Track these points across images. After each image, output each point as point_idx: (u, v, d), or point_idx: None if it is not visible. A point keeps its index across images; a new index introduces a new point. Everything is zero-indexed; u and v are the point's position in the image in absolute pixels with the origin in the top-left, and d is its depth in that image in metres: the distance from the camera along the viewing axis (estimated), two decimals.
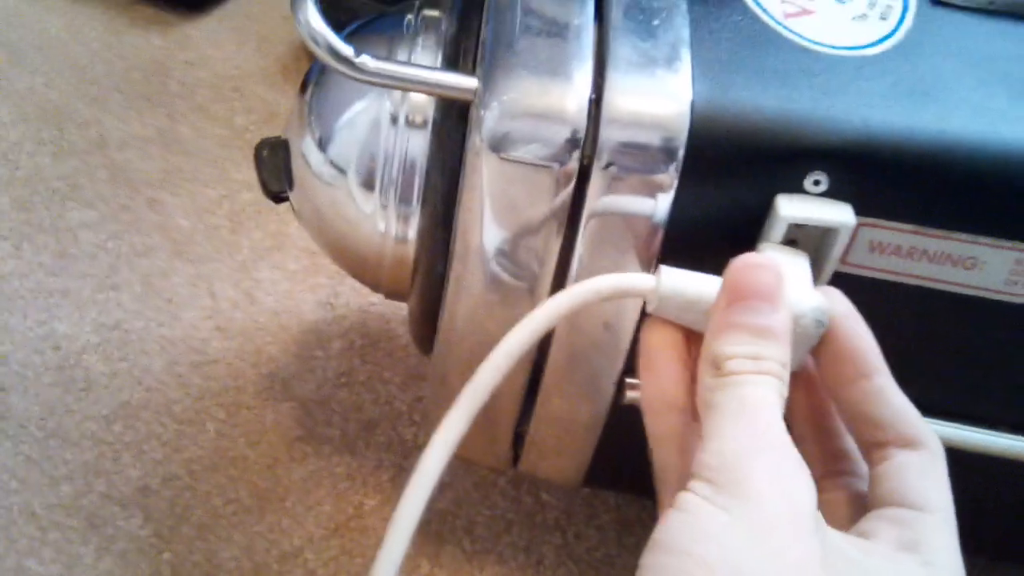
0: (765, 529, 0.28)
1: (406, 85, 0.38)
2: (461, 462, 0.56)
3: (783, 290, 0.32)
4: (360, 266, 0.47)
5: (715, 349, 0.32)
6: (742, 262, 0.33)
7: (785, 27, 0.39)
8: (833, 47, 0.39)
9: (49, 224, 0.67)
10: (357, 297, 0.65)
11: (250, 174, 0.70)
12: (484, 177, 0.37)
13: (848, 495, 0.34)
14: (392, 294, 0.48)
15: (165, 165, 0.71)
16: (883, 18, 0.40)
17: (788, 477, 0.29)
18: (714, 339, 0.32)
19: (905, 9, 0.41)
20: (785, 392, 0.31)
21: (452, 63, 0.43)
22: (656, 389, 0.35)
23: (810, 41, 0.39)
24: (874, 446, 0.33)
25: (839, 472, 0.35)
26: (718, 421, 0.30)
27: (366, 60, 0.38)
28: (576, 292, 0.34)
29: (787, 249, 0.36)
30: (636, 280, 0.35)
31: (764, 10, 0.39)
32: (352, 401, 0.59)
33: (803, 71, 0.38)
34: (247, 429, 0.57)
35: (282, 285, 0.65)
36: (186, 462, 0.56)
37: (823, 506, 0.30)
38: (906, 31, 0.40)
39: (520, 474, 0.57)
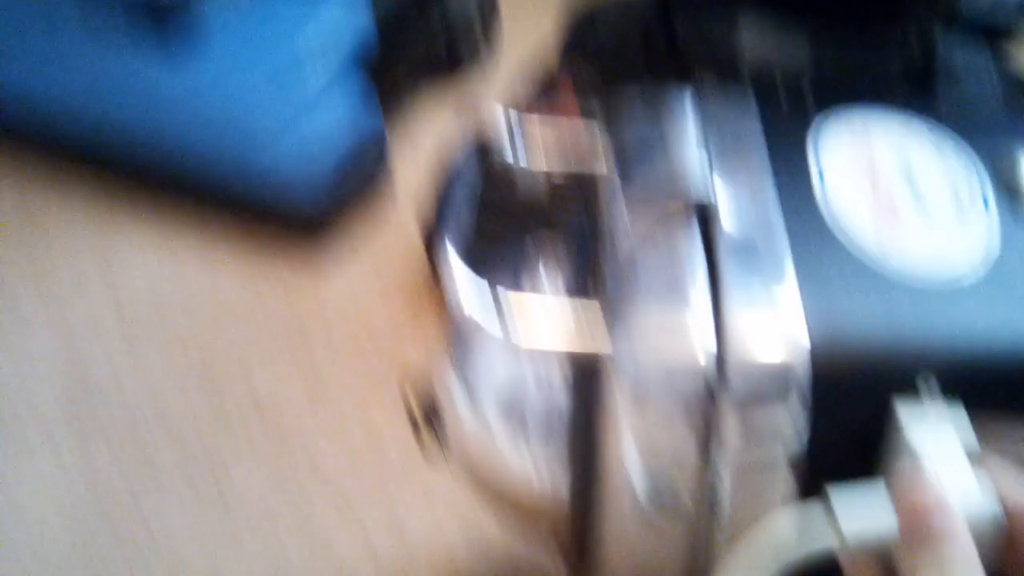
0: None
1: (551, 354, 0.43)
2: None
3: (956, 518, 0.34)
4: (517, 515, 0.51)
5: (908, 555, 0.33)
6: (910, 506, 0.35)
7: (882, 259, 0.42)
8: (929, 278, 0.42)
9: (211, 478, 0.72)
10: (505, 538, 0.68)
11: (393, 417, 0.75)
12: (626, 424, 0.41)
13: None
14: (548, 539, 0.52)
15: (315, 416, 0.76)
16: (974, 240, 0.43)
17: None
18: (904, 550, 0.34)
19: (998, 229, 0.44)
20: None
21: (576, 288, 0.47)
22: None
23: (907, 266, 0.42)
24: None
25: None
26: None
27: (518, 337, 0.42)
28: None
29: (935, 429, 0.38)
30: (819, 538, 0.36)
31: (859, 242, 0.43)
32: None
33: (903, 300, 0.41)
34: None
35: (433, 525, 0.68)
36: None
37: None
38: (997, 249, 0.43)
39: None
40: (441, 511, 0.69)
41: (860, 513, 0.35)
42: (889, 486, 0.36)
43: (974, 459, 0.37)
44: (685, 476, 0.42)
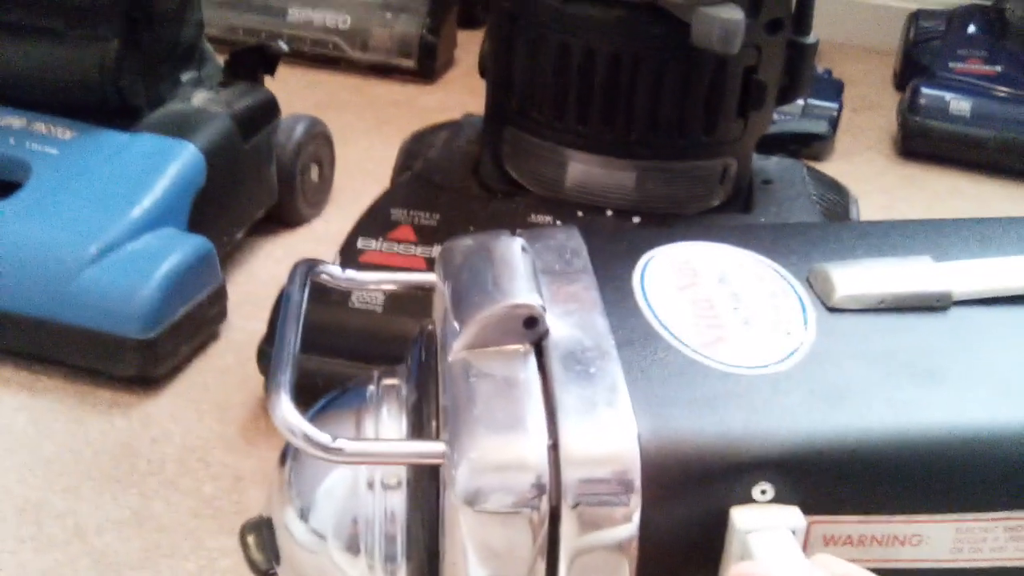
0: None
1: (382, 460, 0.42)
2: None
3: None
4: None
5: None
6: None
7: (705, 356, 0.44)
8: (750, 367, 0.43)
9: None
10: None
11: (224, 541, 0.73)
12: (463, 530, 0.41)
13: None
14: None
15: (143, 544, 0.73)
16: (788, 334, 0.45)
17: None
18: None
19: (806, 321, 0.46)
20: None
21: (416, 429, 0.47)
22: None
23: (728, 365, 0.43)
24: None
25: None
26: None
27: (343, 444, 0.42)
28: None
29: (767, 533, 0.39)
30: None
31: (683, 343, 0.44)
32: None
33: (728, 394, 0.42)
34: None
35: None
36: None
37: None
38: (811, 343, 0.45)
39: None
40: None
41: None
42: None
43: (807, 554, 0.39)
44: None
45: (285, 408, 0.43)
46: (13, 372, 0.92)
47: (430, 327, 0.52)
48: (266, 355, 0.84)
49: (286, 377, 0.44)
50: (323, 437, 0.42)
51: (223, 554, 0.72)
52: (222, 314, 0.96)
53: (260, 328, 0.86)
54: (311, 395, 0.52)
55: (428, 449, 0.42)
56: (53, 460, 0.82)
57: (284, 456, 0.52)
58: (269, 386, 0.44)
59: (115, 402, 0.88)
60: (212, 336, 0.96)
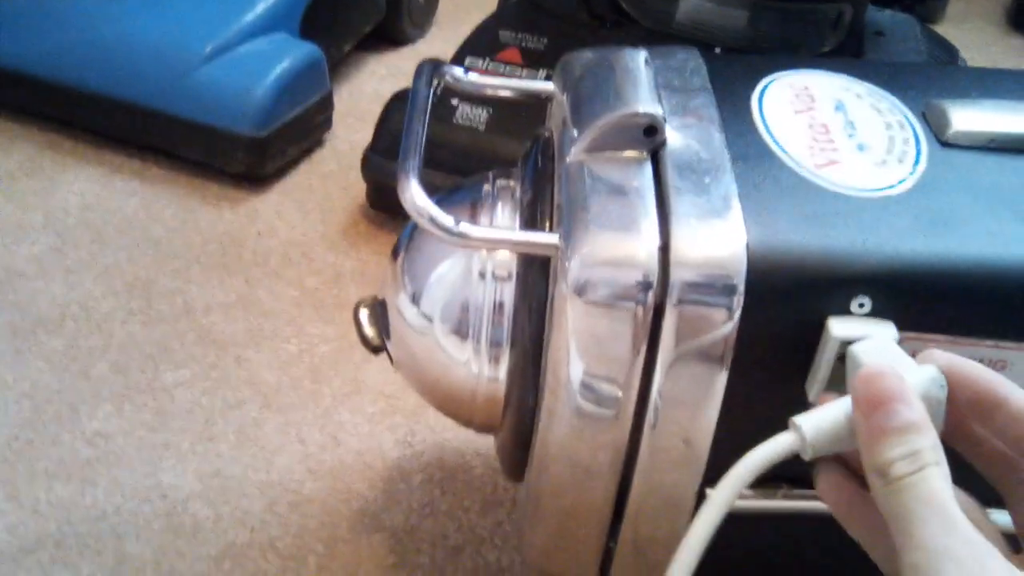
0: None
1: (501, 246, 0.45)
2: None
3: (907, 384, 0.36)
4: (454, 405, 0.53)
5: (874, 461, 0.35)
6: (863, 377, 0.36)
7: (817, 176, 0.46)
8: (861, 190, 0.45)
9: (146, 385, 0.73)
10: (432, 434, 0.70)
11: (324, 328, 0.77)
12: (570, 319, 0.43)
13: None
14: (483, 428, 0.54)
15: (247, 326, 0.78)
16: (900, 162, 0.47)
17: (982, 567, 0.31)
18: (869, 453, 0.35)
19: (918, 152, 0.47)
20: (946, 469, 0.34)
21: (530, 225, 0.49)
22: (859, 527, 0.38)
23: (840, 186, 0.45)
24: None
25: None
26: (904, 529, 0.33)
27: (466, 228, 0.44)
28: (738, 475, 0.38)
29: (871, 341, 0.41)
30: (783, 443, 0.37)
31: (797, 163, 0.46)
32: (437, 529, 0.65)
33: (837, 212, 0.44)
34: (345, 561, 0.62)
35: (363, 427, 0.71)
36: None
37: None
38: (921, 172, 0.46)
39: None
40: (375, 421, 0.71)
41: (819, 419, 0.37)
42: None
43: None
44: (622, 378, 0.44)
45: (414, 190, 0.45)
46: (125, 159, 0.96)
47: (546, 134, 0.53)
48: (371, 162, 0.87)
49: (415, 163, 0.46)
50: (448, 220, 0.44)
51: (323, 340, 0.77)
52: (328, 122, 0.99)
53: (363, 140, 0.89)
54: None
55: (544, 240, 0.45)
56: (162, 243, 0.86)
57: (396, 250, 0.54)
58: (399, 171, 0.46)
59: (223, 196, 0.92)
60: (318, 143, 0.99)
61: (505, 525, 0.65)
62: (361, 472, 0.68)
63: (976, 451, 0.38)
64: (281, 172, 0.95)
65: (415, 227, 0.55)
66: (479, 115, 0.85)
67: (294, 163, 0.96)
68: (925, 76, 0.56)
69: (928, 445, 0.34)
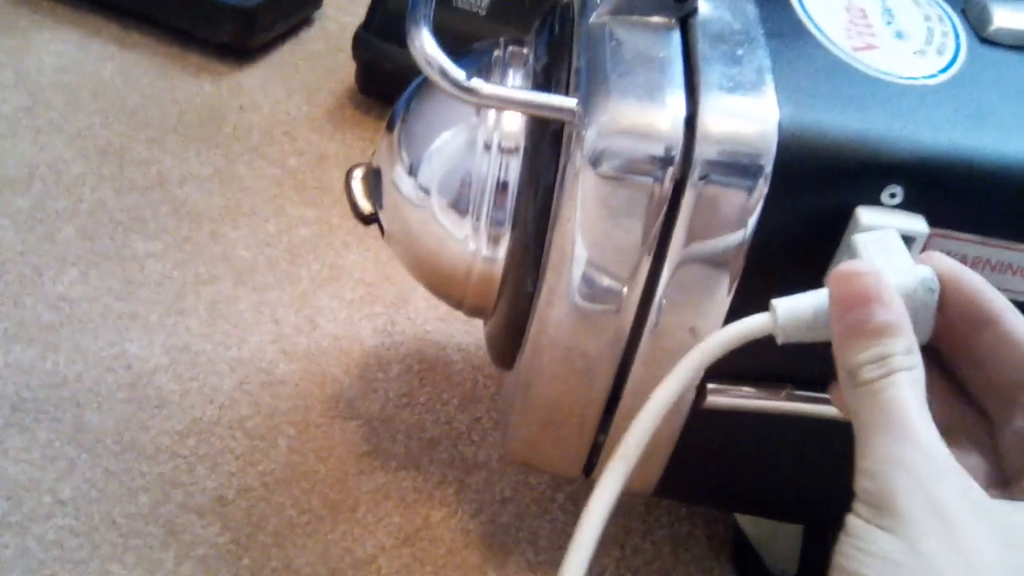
0: (926, 544, 0.28)
1: (514, 106, 0.42)
2: (530, 470, 0.59)
3: (885, 284, 0.33)
4: (446, 284, 0.50)
5: (845, 362, 0.33)
6: (839, 274, 0.34)
7: (854, 59, 0.43)
8: (898, 77, 0.42)
9: (114, 253, 0.69)
10: (412, 326, 0.68)
11: (305, 211, 0.74)
12: (580, 195, 0.41)
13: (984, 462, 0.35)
14: (474, 311, 0.51)
15: (224, 201, 0.74)
16: (939, 53, 0.44)
17: (935, 481, 0.30)
18: (839, 352, 0.33)
19: (957, 46, 0.45)
20: (920, 376, 0.32)
21: (543, 91, 0.46)
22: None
23: (876, 71, 0.42)
24: (1010, 396, 0.34)
25: (974, 440, 0.35)
26: (865, 437, 0.31)
27: (478, 83, 0.41)
28: (708, 348, 0.36)
29: (875, 233, 0.38)
30: (755, 322, 0.36)
31: (833, 43, 0.43)
32: (414, 420, 0.62)
33: (874, 97, 0.41)
34: (317, 445, 0.60)
35: (341, 313, 0.68)
36: (260, 475, 0.58)
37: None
38: (960, 65, 0.44)
39: (578, 491, 0.60)
40: (353, 308, 0.68)
41: (797, 305, 0.35)
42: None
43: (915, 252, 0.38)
44: (631, 260, 0.42)
45: (425, 40, 0.42)
46: (104, 23, 0.91)
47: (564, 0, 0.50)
48: (363, 41, 0.83)
49: (426, 11, 0.43)
50: (459, 73, 0.41)
51: (303, 223, 0.73)
52: (318, 0, 0.95)
53: (352, 23, 0.85)
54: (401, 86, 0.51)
55: (561, 103, 0.41)
56: (138, 111, 0.82)
57: (392, 120, 0.51)
58: (409, 20, 0.42)
59: (204, 67, 0.88)
60: (306, 21, 0.95)
61: (484, 421, 0.63)
62: (337, 358, 0.65)
63: (968, 364, 0.35)
64: (266, 48, 0.91)
65: (412, 96, 0.52)
66: (480, 0, 0.81)
67: (280, 40, 0.92)
68: None
69: (900, 350, 0.32)
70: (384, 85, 0.83)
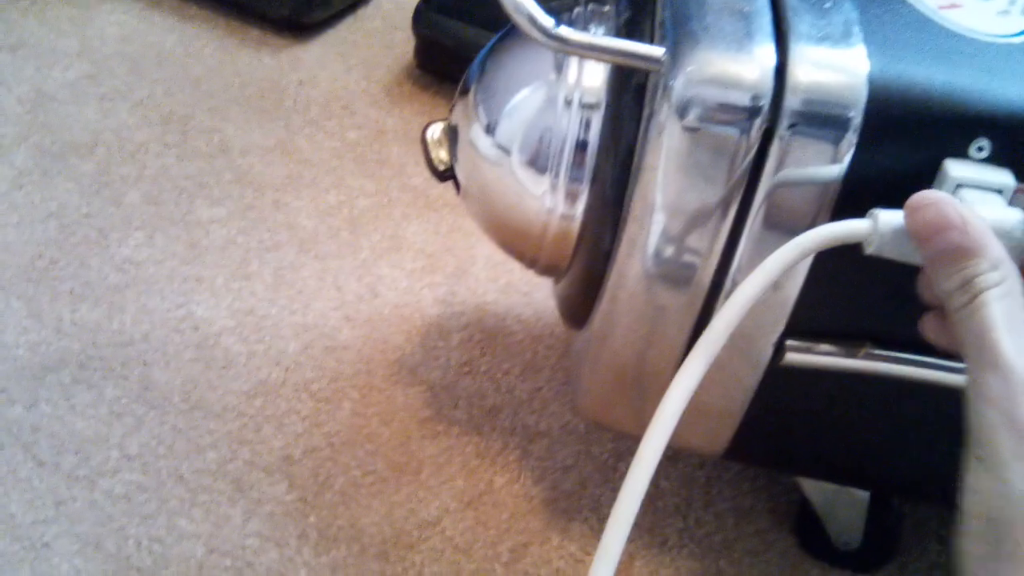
0: (1013, 476, 0.30)
1: (601, 54, 0.42)
2: (602, 429, 0.59)
3: (956, 205, 0.34)
4: (522, 241, 0.50)
5: (938, 290, 0.34)
6: (911, 205, 0.35)
7: (940, 16, 0.43)
8: (984, 34, 0.42)
9: (179, 218, 0.70)
10: (473, 296, 0.68)
11: (365, 183, 0.74)
12: (667, 142, 0.41)
13: None
14: (547, 269, 0.51)
15: (286, 171, 0.75)
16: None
17: (1017, 405, 0.30)
18: (935, 283, 0.34)
19: None
20: (1012, 288, 0.32)
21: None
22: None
23: (963, 28, 0.42)
24: None
25: None
26: (967, 363, 0.32)
27: (566, 31, 0.41)
28: (801, 242, 0.37)
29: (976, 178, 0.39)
30: (852, 225, 0.37)
31: (921, 1, 0.43)
32: (475, 388, 0.62)
33: (961, 52, 0.41)
34: (380, 409, 0.60)
35: (402, 282, 0.68)
36: (326, 436, 0.58)
37: None
38: None
39: None
40: (414, 278, 0.69)
41: (898, 217, 0.36)
42: None
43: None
44: (714, 215, 0.42)
45: None
46: None
47: None
48: (423, 15, 0.83)
49: None
50: (548, 20, 0.41)
51: (363, 194, 0.74)
52: None
53: (410, 2, 0.85)
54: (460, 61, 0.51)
55: (648, 51, 0.41)
56: (201, 81, 0.82)
57: (467, 82, 0.51)
58: None
59: (264, 41, 0.88)
60: (363, 0, 0.95)
61: (544, 391, 0.63)
62: (398, 325, 0.65)
63: None
64: (325, 25, 0.91)
65: (487, 57, 0.52)
66: None
67: (338, 16, 0.92)
68: None
69: (985, 267, 0.33)
70: (443, 61, 0.83)
